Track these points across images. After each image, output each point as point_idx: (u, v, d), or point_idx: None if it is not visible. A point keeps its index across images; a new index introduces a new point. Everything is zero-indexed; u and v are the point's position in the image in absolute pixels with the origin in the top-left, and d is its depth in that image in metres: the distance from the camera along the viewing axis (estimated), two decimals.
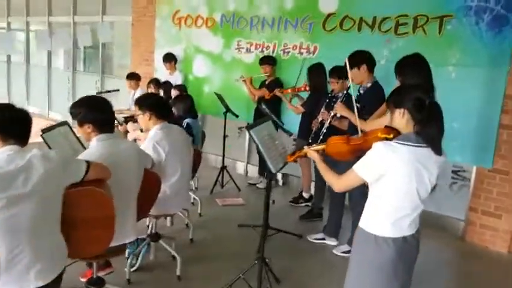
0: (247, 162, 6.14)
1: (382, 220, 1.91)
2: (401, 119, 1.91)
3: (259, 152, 5.56)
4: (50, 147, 2.73)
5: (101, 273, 2.61)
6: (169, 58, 6.42)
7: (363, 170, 1.89)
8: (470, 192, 4.20)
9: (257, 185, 5.50)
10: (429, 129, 1.84)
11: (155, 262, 3.24)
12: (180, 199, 3.08)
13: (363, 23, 4.72)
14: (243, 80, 5.51)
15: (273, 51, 5.51)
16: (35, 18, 9.84)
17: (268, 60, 5.29)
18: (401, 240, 1.90)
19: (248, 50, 5.76)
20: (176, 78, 6.40)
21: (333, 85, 4.10)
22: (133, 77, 6.35)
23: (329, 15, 4.96)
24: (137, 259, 3.10)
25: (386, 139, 1.93)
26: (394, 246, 1.88)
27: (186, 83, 6.47)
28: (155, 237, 3.16)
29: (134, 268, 3.08)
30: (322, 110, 4.07)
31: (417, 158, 1.84)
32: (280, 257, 3.48)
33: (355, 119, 2.72)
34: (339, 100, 3.78)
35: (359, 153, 2.03)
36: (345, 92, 3.82)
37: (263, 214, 2.92)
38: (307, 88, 4.62)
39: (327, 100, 4.12)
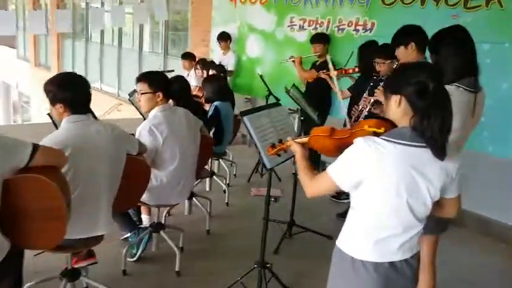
0: None
1: (360, 239, 1.47)
2: (396, 108, 1.44)
3: None
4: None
5: (81, 264, 2.44)
6: (224, 37, 6.15)
7: (337, 174, 1.46)
8: None
9: None
10: (429, 122, 1.35)
11: (159, 254, 3.03)
12: (180, 189, 2.80)
13: None
14: (292, 61, 5.08)
15: (327, 29, 4.99)
16: None
17: (319, 39, 4.80)
18: (386, 266, 1.45)
19: (301, 27, 5.30)
20: (229, 59, 6.14)
21: (379, 66, 3.54)
22: (188, 56, 6.18)
23: None
24: (137, 249, 2.91)
25: (375, 134, 1.48)
26: (375, 272, 1.44)
27: (239, 64, 6.20)
28: (157, 227, 2.94)
29: (135, 258, 2.90)
30: (364, 95, 3.55)
31: (410, 161, 1.38)
32: (300, 260, 3.10)
33: None
34: (382, 84, 3.25)
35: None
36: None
37: (264, 209, 2.56)
38: (357, 70, 4.10)
39: (371, 84, 3.58)
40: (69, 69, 11.92)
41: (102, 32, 10.50)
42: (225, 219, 3.73)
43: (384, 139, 1.40)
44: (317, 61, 4.89)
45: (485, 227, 3.88)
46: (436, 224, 2.20)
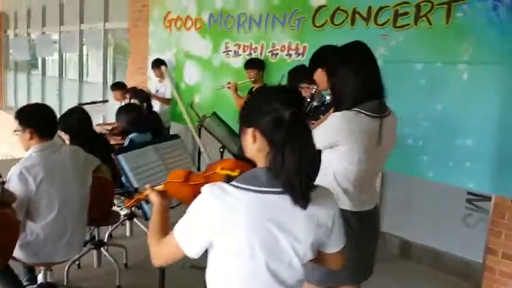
0: None
1: None
2: (252, 144, 1.14)
3: None
4: None
5: None
6: (157, 64, 5.81)
7: (182, 237, 1.12)
8: (488, 228, 3.18)
9: None
10: (283, 160, 1.05)
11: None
12: (65, 243, 2.37)
13: (356, 16, 3.85)
14: (227, 88, 4.79)
15: (261, 54, 4.74)
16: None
17: (251, 64, 4.55)
18: None
19: (236, 53, 5.03)
20: (166, 87, 5.81)
21: (304, 91, 3.25)
22: (118, 86, 5.82)
23: (319, 8, 4.13)
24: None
25: (229, 178, 1.14)
26: None
27: (178, 92, 5.86)
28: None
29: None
30: None
31: (267, 213, 1.08)
32: None
33: None
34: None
35: None
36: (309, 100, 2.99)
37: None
38: None
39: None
40: (11, 102, 11.33)
41: (44, 63, 10.02)
42: (142, 272, 3.25)
43: (234, 185, 1.07)
44: (253, 87, 4.61)
45: (436, 260, 3.60)
46: (358, 271, 1.90)
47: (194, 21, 5.54)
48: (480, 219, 3.33)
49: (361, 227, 1.87)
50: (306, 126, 1.10)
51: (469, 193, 3.37)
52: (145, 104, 4.63)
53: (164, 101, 5.77)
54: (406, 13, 3.50)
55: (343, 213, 1.82)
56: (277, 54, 4.57)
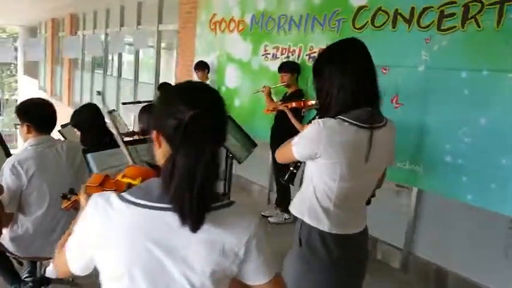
0: (269, 190, 5.19)
1: None
2: (158, 150, 0.95)
3: (276, 181, 4.62)
4: None
5: None
6: (201, 66, 5.78)
7: (68, 251, 0.97)
8: None
9: (269, 219, 4.52)
10: (172, 169, 0.87)
11: None
12: (56, 238, 2.30)
13: (398, 17, 3.53)
14: (262, 91, 4.62)
15: (298, 57, 4.52)
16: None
17: (285, 68, 4.33)
18: None
19: (274, 56, 4.85)
20: None
21: None
22: (160, 88, 5.85)
23: (360, 8, 3.84)
24: None
25: (129, 186, 0.98)
26: None
27: None
28: (40, 283, 2.44)
29: None
30: None
31: (151, 233, 0.90)
32: None
33: None
34: None
35: None
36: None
37: None
38: (315, 102, 3.58)
39: None
40: (78, 99, 11.93)
41: (105, 63, 10.46)
42: None
43: (123, 198, 0.89)
44: (287, 92, 4.41)
45: None
46: None
47: (237, 23, 5.44)
48: None
49: (342, 252, 1.61)
50: (210, 131, 0.89)
51: None
52: None
53: None
54: (452, 14, 3.13)
55: (321, 234, 1.59)
56: (314, 57, 4.33)
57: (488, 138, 2.92)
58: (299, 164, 2.71)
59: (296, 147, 1.61)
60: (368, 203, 2.71)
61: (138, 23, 8.52)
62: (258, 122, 4.90)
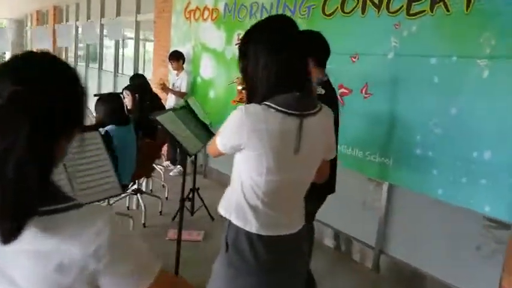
0: None
1: None
2: None
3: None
4: None
5: None
6: (175, 56, 5.59)
7: None
8: (503, 262, 2.57)
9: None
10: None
11: None
12: None
13: (367, 2, 3.33)
14: (235, 82, 4.42)
15: None
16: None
17: None
18: None
19: None
20: (182, 80, 5.56)
21: None
22: (132, 79, 5.65)
23: None
24: None
25: None
26: None
27: (194, 87, 5.61)
28: None
29: None
30: None
31: None
32: None
33: None
34: None
35: None
36: None
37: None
38: None
39: None
40: None
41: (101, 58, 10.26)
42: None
43: None
44: None
45: None
46: None
47: (211, 12, 5.24)
48: (496, 251, 2.71)
49: (272, 256, 1.43)
50: (31, 113, 0.72)
51: (487, 218, 2.76)
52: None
53: (180, 94, 5.53)
54: None
55: (249, 236, 1.42)
56: None
57: (459, 129, 2.75)
58: None
59: (220, 139, 1.44)
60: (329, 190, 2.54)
61: (118, 14, 8.29)
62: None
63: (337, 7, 3.57)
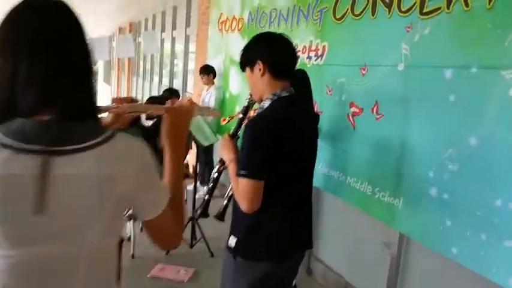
0: None
1: None
2: None
3: None
4: None
5: None
6: (205, 70, 5.28)
7: None
8: None
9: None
10: None
11: None
12: None
13: (378, 1, 2.68)
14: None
15: None
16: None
17: None
18: None
19: None
20: (211, 95, 5.22)
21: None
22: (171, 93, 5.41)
23: None
24: None
25: None
26: None
27: (222, 102, 5.23)
28: None
29: None
30: None
31: None
32: None
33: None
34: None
35: None
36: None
37: None
38: None
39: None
40: None
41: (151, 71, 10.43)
42: None
43: None
44: None
45: None
46: None
47: (238, 22, 4.83)
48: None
49: None
50: None
51: None
52: None
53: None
54: None
55: None
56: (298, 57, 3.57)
57: (479, 165, 2.00)
58: (231, 194, 2.06)
59: None
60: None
61: (173, 28, 8.26)
62: None
63: (348, 9, 2.95)
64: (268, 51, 1.71)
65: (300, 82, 2.75)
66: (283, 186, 1.69)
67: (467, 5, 2.07)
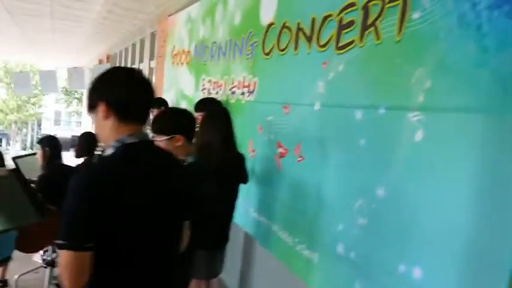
0: None
1: None
2: None
3: None
4: None
5: None
6: (156, 103, 5.01)
7: None
8: None
9: None
10: None
11: None
12: None
13: (299, 34, 2.47)
14: None
15: (223, 91, 3.56)
16: None
17: (200, 107, 3.37)
18: None
19: (209, 91, 3.93)
20: None
21: None
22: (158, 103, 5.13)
23: (268, 27, 2.84)
24: None
25: None
26: None
27: None
28: None
29: None
30: None
31: None
32: None
33: None
34: None
35: None
36: None
37: None
38: None
39: None
40: None
41: None
42: None
43: None
44: None
45: None
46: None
47: (186, 54, 4.63)
48: None
49: None
50: None
51: None
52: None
53: None
54: (351, 23, 2.03)
55: None
56: (234, 92, 3.34)
57: (385, 222, 1.72)
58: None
59: None
60: None
61: (141, 61, 8.07)
62: None
63: (274, 44, 2.73)
64: (112, 90, 1.34)
65: (216, 116, 2.50)
66: (124, 265, 1.31)
67: (378, 37, 1.84)
